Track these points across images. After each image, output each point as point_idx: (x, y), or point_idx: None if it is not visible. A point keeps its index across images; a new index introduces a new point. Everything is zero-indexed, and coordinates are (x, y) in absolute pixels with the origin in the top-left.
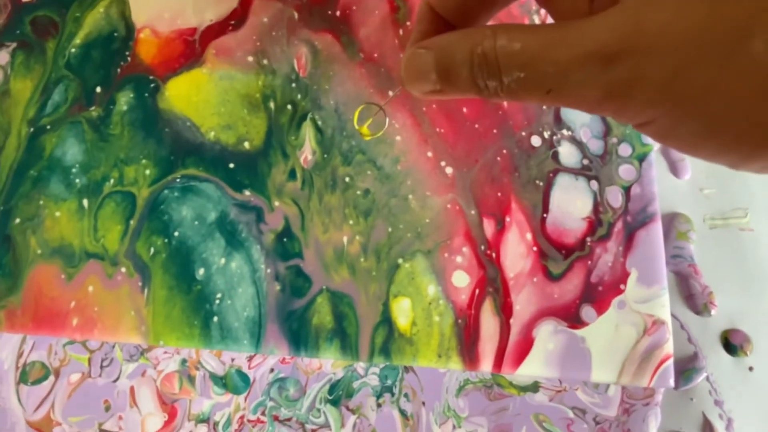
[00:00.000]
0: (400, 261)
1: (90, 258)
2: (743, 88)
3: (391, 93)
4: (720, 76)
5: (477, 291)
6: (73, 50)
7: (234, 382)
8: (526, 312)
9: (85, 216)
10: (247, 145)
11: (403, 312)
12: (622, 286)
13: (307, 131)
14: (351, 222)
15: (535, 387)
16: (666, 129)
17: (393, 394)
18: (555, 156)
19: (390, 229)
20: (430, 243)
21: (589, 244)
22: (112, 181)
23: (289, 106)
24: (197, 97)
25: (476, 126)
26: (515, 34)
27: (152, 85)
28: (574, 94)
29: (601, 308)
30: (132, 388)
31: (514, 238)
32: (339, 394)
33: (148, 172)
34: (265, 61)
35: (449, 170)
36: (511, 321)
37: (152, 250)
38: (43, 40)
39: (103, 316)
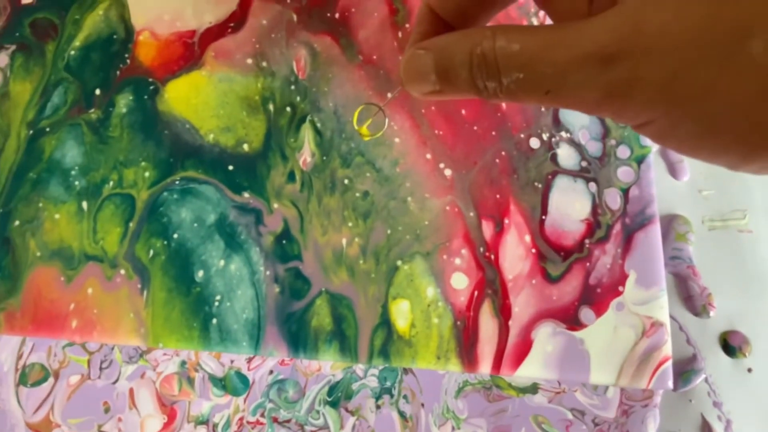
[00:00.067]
0: (399, 263)
1: (89, 260)
2: (742, 88)
3: (389, 95)
4: (719, 77)
5: (476, 293)
6: (72, 52)
7: (233, 384)
8: (524, 314)
9: (85, 218)
10: (246, 147)
11: (402, 314)
12: (620, 288)
13: (306, 133)
14: (350, 224)
15: (534, 388)
16: (665, 130)
17: (392, 396)
18: (554, 158)
19: (389, 231)
20: (429, 245)
21: (587, 246)
22: (111, 183)
23: (288, 109)
24: (196, 100)
25: (475, 128)
26: (514, 35)
27: (151, 88)
28: (573, 95)
29: (599, 310)
30: (131, 390)
31: (513, 240)
32: (338, 395)
33: (147, 174)
34: (264, 64)
35: (448, 172)
36: (510, 323)
37: (151, 252)
38: (42, 43)
39: (102, 318)
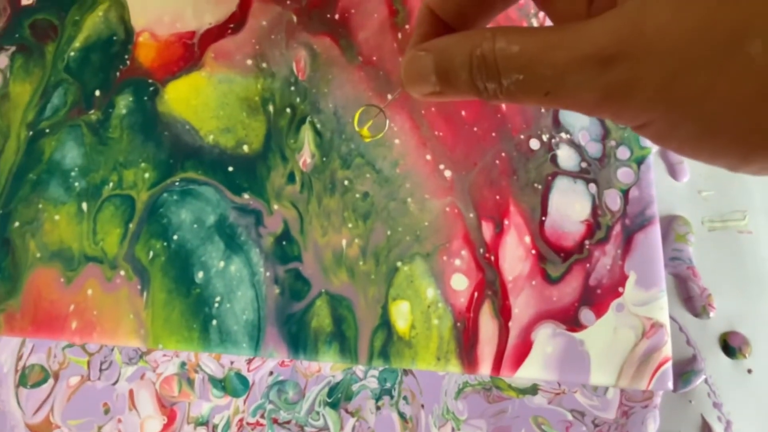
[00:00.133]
0: (399, 264)
1: (89, 261)
2: (741, 90)
3: (390, 96)
4: (717, 79)
5: (476, 294)
6: (72, 54)
7: (233, 385)
8: (524, 315)
9: (84, 219)
10: (246, 148)
11: (401, 315)
12: (620, 289)
13: (306, 134)
14: (350, 225)
15: (533, 389)
16: (664, 131)
17: (392, 397)
18: (553, 159)
19: (389, 232)
20: (429, 246)
21: (587, 247)
22: (111, 184)
23: (288, 110)
24: (196, 101)
25: (475, 129)
26: (514, 36)
27: (151, 89)
28: (572, 96)
29: (599, 311)
30: (131, 391)
31: (513, 241)
32: (338, 396)
33: (147, 175)
34: (264, 65)
35: (448, 173)
36: (510, 324)
37: (151, 253)
38: (42, 44)
39: (102, 320)
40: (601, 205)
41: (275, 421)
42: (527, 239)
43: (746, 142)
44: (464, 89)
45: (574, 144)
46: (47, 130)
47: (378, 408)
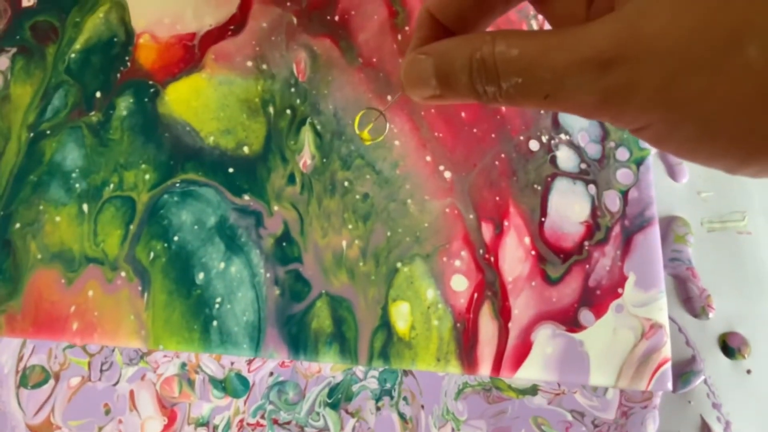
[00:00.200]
0: (398, 265)
1: (90, 263)
2: (737, 93)
3: (390, 98)
4: (715, 81)
5: (475, 295)
6: (73, 55)
7: (233, 386)
8: (524, 316)
9: (85, 221)
10: (246, 149)
11: (401, 316)
12: (620, 290)
13: (306, 136)
14: (350, 226)
15: (533, 390)
16: (662, 134)
17: (392, 398)
18: (553, 160)
19: (389, 233)
20: (429, 247)
21: (587, 248)
22: (111, 185)
23: (288, 111)
24: (197, 102)
25: (474, 130)
26: (513, 39)
27: (152, 90)
28: (571, 99)
29: (599, 312)
30: (132, 392)
31: (513, 242)
32: (338, 397)
33: (147, 176)
34: (264, 66)
35: (448, 174)
36: (510, 325)
37: (152, 254)
38: (43, 46)
39: (103, 321)
40: (601, 206)
41: (275, 421)
42: (527, 240)
43: (744, 145)
44: (464, 92)
45: (573, 145)
46: (48, 132)
47: (378, 408)
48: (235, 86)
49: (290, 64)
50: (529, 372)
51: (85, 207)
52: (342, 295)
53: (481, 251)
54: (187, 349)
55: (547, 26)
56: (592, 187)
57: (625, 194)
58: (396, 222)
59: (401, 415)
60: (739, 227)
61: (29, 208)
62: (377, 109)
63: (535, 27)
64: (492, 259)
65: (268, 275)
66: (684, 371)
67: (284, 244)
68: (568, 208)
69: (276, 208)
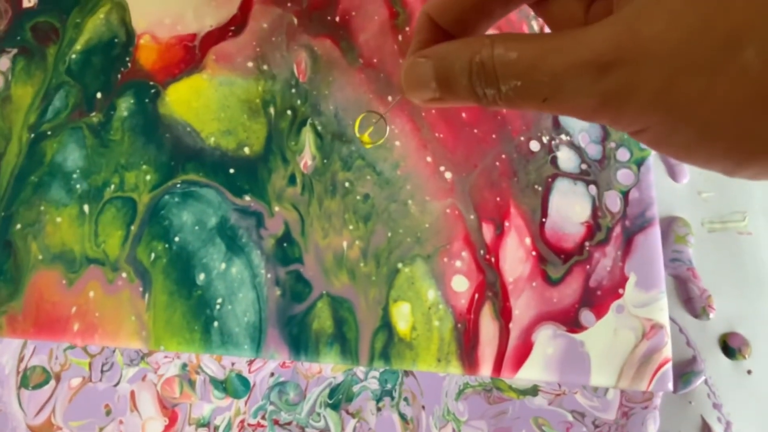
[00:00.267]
0: (399, 266)
1: (91, 263)
2: (735, 96)
3: (390, 98)
4: (712, 85)
5: (476, 295)
6: (73, 56)
7: (234, 387)
8: (525, 316)
9: (86, 221)
10: (247, 150)
11: (402, 316)
12: (620, 291)
13: (307, 136)
14: (351, 227)
15: (534, 390)
16: (660, 136)
17: (393, 398)
18: (554, 161)
19: (389, 234)
20: (430, 248)
21: (587, 248)
22: (112, 186)
23: (288, 112)
24: (197, 103)
25: (475, 131)
26: (512, 43)
27: (152, 91)
28: (570, 102)
29: (599, 312)
30: (132, 393)
31: (513, 243)
32: (339, 398)
33: (148, 177)
34: (264, 67)
35: (448, 175)
36: (511, 325)
37: (153, 255)
38: (43, 46)
39: (104, 322)
40: (601, 206)
41: (276, 422)
42: (527, 241)
43: (741, 148)
44: (464, 95)
45: (574, 146)
46: (49, 133)
47: (379, 409)
48: (236, 87)
49: (291, 65)
50: (530, 372)
51: (86, 208)
52: (343, 296)
53: (481, 252)
54: (188, 349)
55: (547, 29)
56: (592, 188)
57: (625, 195)
58: (397, 223)
59: (402, 416)
60: (739, 228)
61: (30, 209)
62: (377, 112)
63: (536, 28)
64: (493, 259)
65: (269, 276)
66: (685, 372)
67: (285, 244)
68: (569, 209)
69: (277, 208)
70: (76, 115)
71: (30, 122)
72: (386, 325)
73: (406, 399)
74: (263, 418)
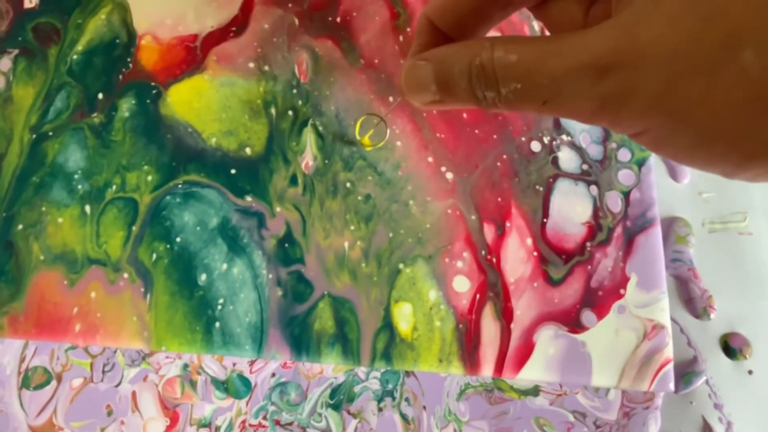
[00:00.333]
0: (401, 266)
1: (92, 264)
2: (734, 98)
3: (391, 99)
4: (711, 87)
5: (478, 296)
6: (75, 57)
7: (235, 387)
8: (526, 317)
9: (88, 222)
10: (248, 150)
11: (404, 317)
12: (622, 291)
13: (308, 137)
14: (352, 227)
15: (535, 391)
16: (659, 139)
17: (394, 399)
18: (555, 161)
19: (391, 235)
20: (431, 248)
21: (589, 249)
22: (114, 187)
23: (290, 112)
24: (199, 104)
25: (476, 131)
26: (512, 46)
27: (154, 92)
28: (570, 104)
29: (601, 313)
30: (134, 393)
31: (515, 243)
32: (340, 398)
33: (150, 178)
34: (266, 68)
35: (449, 175)
36: (512, 326)
37: (154, 255)
38: (45, 47)
39: (105, 322)
40: (603, 207)
41: (277, 422)
42: (529, 241)
43: (740, 150)
44: (464, 98)
45: (575, 146)
46: (50, 133)
47: (380, 409)
48: (237, 87)
49: (292, 66)
50: (532, 373)
51: (87, 208)
52: (344, 296)
53: (483, 252)
54: (189, 350)
55: (547, 32)
56: (593, 188)
57: (626, 195)
58: (398, 223)
59: (403, 416)
60: (740, 228)
61: (32, 210)
62: (378, 115)
63: (537, 29)
64: (494, 260)
65: (270, 276)
66: (686, 372)
67: (286, 245)
68: (570, 209)
69: (278, 209)
70: (77, 116)
71: (31, 123)
72: (388, 326)
73: (407, 399)
74: (264, 418)
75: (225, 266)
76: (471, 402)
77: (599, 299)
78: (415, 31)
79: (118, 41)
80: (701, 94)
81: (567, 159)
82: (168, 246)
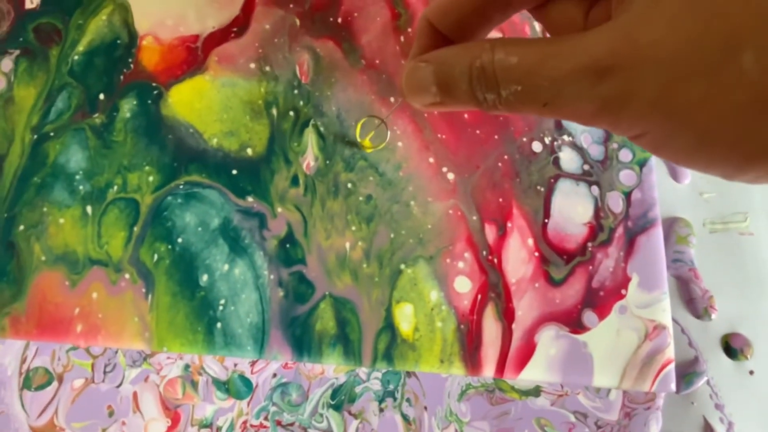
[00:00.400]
0: (402, 267)
1: (94, 264)
2: (733, 100)
3: (392, 99)
4: (711, 90)
5: (479, 296)
6: (76, 57)
7: (237, 387)
8: (528, 317)
9: (89, 223)
10: (249, 151)
11: (405, 317)
12: (623, 291)
13: (310, 137)
14: (353, 228)
15: (536, 391)
16: (659, 141)
17: (395, 399)
18: (556, 161)
19: (392, 235)
20: (432, 249)
21: (590, 249)
22: (115, 187)
23: (291, 113)
24: (200, 104)
25: (477, 132)
26: (512, 47)
27: (155, 92)
28: (569, 106)
29: (602, 313)
30: (135, 394)
31: (516, 244)
32: (341, 398)
33: (151, 178)
34: (267, 68)
35: (451, 176)
36: (513, 326)
37: (156, 256)
38: (46, 48)
39: (107, 323)
40: (604, 207)
41: (279, 423)
42: (530, 241)
43: (740, 152)
44: (464, 100)
45: (576, 146)
46: (52, 134)
47: (381, 410)
48: (238, 88)
49: (293, 66)
50: (533, 373)
51: (88, 209)
52: (346, 297)
53: (484, 253)
54: (191, 350)
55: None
56: (595, 189)
57: (628, 195)
58: (399, 224)
59: (404, 417)
60: (741, 228)
61: (33, 210)
62: (378, 117)
63: (538, 29)
64: (495, 260)
65: (271, 277)
66: (687, 372)
67: (288, 245)
68: (572, 210)
69: (279, 209)
70: (78, 117)
71: (33, 123)
72: (389, 326)
73: (408, 400)
74: (266, 419)
75: (226, 267)
76: (472, 402)
77: (600, 300)
78: (414, 34)
79: (119, 42)
80: (701, 97)
81: (568, 159)
82: (169, 246)
